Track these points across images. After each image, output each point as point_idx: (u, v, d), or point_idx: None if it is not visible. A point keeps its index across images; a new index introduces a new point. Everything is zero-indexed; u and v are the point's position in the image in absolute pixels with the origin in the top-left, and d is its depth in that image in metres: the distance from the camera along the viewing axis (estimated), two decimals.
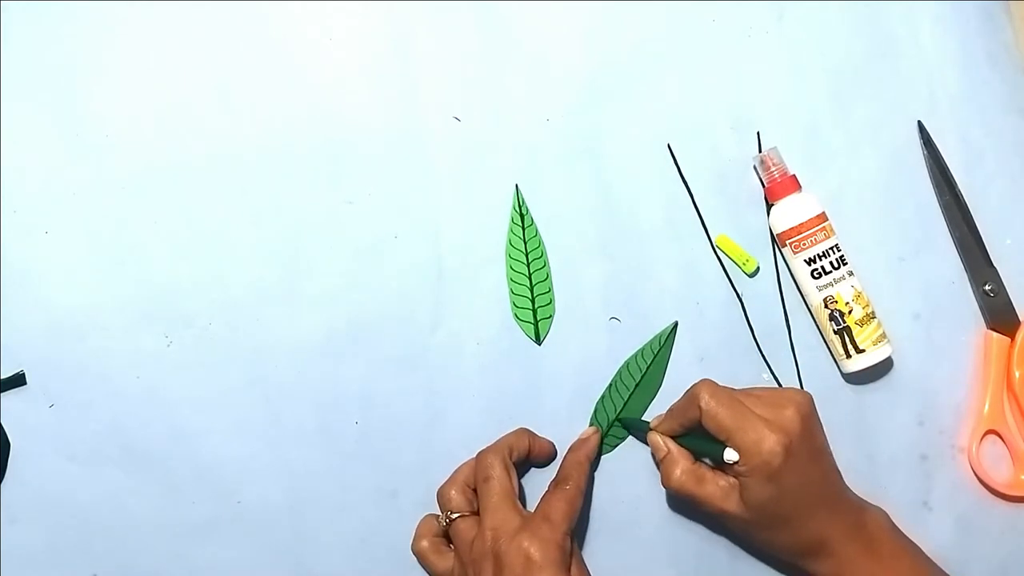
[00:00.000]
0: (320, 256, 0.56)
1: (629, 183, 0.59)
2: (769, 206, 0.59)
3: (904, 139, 0.61)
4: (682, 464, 0.53)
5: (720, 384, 0.53)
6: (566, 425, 0.57)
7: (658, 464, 0.55)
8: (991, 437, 0.60)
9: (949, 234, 0.61)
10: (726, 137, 0.59)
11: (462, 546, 0.52)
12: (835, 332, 0.57)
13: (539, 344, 0.57)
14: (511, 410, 0.57)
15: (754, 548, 0.57)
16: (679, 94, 0.59)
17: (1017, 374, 0.59)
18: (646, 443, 0.56)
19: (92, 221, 0.55)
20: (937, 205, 0.61)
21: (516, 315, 0.57)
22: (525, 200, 0.58)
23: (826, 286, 0.57)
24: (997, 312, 0.60)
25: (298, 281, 0.56)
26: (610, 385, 0.58)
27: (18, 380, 0.54)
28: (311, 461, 0.56)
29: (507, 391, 0.57)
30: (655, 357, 0.58)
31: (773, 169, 0.58)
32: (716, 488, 0.52)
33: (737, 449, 0.50)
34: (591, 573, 0.52)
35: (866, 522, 0.53)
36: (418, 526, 0.55)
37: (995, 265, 0.60)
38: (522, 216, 0.58)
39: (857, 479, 0.59)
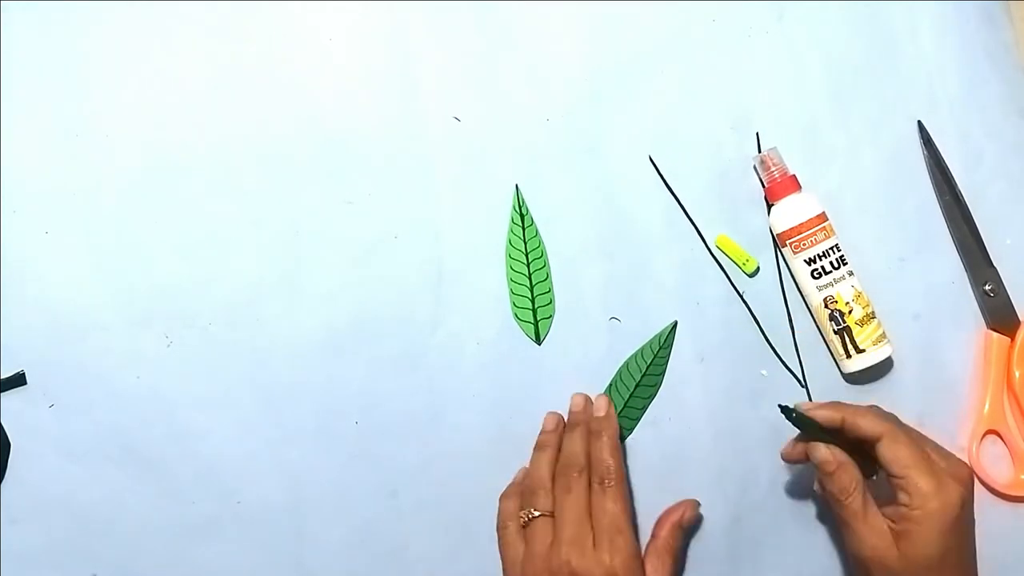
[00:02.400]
0: (320, 256, 0.56)
1: (629, 183, 0.59)
2: (769, 206, 0.59)
3: (904, 139, 0.61)
4: (854, 482, 0.50)
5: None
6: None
7: (816, 464, 0.52)
8: (991, 437, 0.60)
9: (949, 234, 0.61)
10: (726, 137, 0.59)
11: (538, 545, 0.51)
12: (835, 332, 0.57)
13: (539, 344, 0.57)
14: (511, 410, 0.57)
15: None
16: (679, 94, 0.59)
17: (1017, 374, 0.59)
18: (798, 427, 0.52)
19: (92, 221, 0.55)
20: (937, 205, 0.61)
21: (516, 315, 0.57)
22: (525, 200, 0.58)
23: (826, 286, 0.57)
24: (997, 312, 0.60)
25: (298, 281, 0.56)
26: (610, 385, 0.58)
27: (18, 380, 0.54)
28: (311, 461, 0.56)
29: (507, 391, 0.57)
30: (655, 357, 0.58)
31: (773, 169, 0.58)
32: (878, 528, 0.49)
33: (911, 490, 0.48)
34: None
35: None
36: (503, 509, 0.54)
37: (995, 265, 0.60)
38: (522, 216, 0.58)
39: None
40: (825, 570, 0.58)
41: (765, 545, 0.58)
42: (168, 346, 0.55)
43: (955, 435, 0.60)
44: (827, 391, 0.59)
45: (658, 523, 0.55)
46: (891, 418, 0.52)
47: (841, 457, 0.51)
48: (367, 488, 0.56)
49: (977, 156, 0.61)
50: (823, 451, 0.51)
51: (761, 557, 0.58)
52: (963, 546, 0.49)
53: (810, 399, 0.59)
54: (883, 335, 0.57)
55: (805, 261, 0.57)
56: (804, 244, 0.57)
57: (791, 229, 0.57)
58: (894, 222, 0.60)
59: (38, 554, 0.53)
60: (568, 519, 0.50)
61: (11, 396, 0.54)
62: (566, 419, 0.56)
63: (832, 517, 0.55)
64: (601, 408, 0.55)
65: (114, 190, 0.55)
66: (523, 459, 0.57)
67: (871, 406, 0.53)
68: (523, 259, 0.58)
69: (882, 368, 0.59)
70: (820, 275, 0.57)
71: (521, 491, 0.54)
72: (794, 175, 0.58)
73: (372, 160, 0.57)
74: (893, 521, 0.49)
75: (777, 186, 0.58)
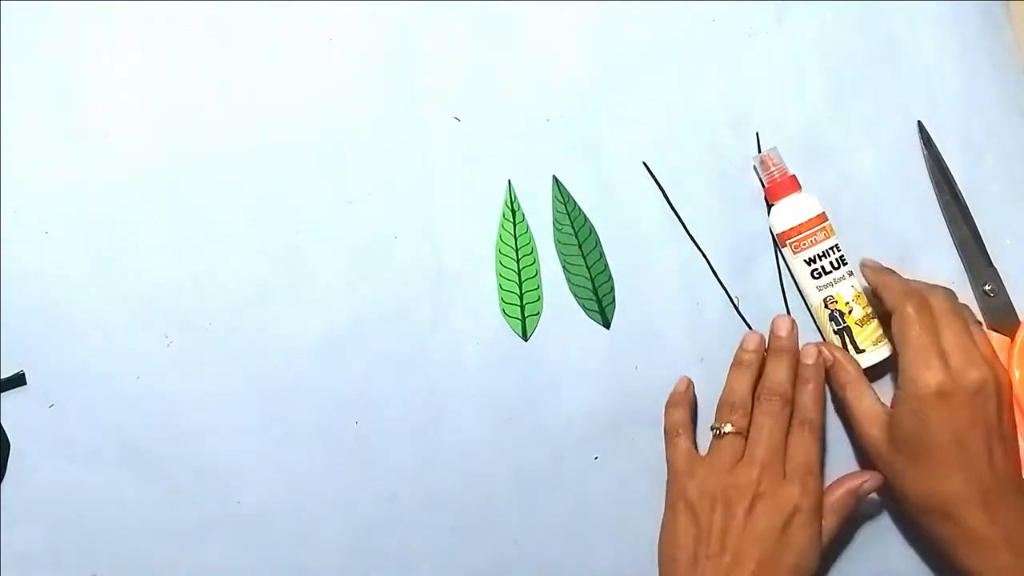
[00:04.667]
0: (320, 256, 0.56)
1: (628, 183, 0.59)
2: (769, 206, 0.59)
3: (904, 139, 0.61)
4: (847, 375, 0.55)
5: (945, 304, 0.53)
6: (566, 425, 0.57)
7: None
8: None
9: (949, 234, 0.61)
10: (725, 137, 0.59)
11: (725, 459, 0.53)
12: (835, 332, 0.57)
13: (525, 340, 0.57)
14: (511, 410, 0.57)
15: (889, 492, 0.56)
16: (679, 94, 0.59)
17: (1017, 374, 0.59)
18: None
19: (92, 221, 0.55)
20: (937, 205, 0.61)
21: (504, 311, 0.57)
22: (518, 197, 0.58)
23: (826, 286, 0.57)
24: (997, 312, 0.60)
25: (298, 281, 0.56)
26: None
27: (18, 380, 0.54)
28: (311, 461, 0.56)
29: (507, 391, 0.57)
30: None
31: (773, 169, 0.58)
32: (871, 413, 0.53)
33: (900, 369, 0.52)
34: (591, 573, 0.52)
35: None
36: (672, 417, 0.56)
37: (995, 265, 0.60)
38: (513, 212, 0.58)
39: None
40: (824, 570, 0.58)
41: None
42: (168, 346, 0.55)
43: None
44: (827, 391, 0.59)
45: (834, 484, 0.55)
46: (917, 296, 0.53)
47: (837, 355, 0.56)
48: (367, 488, 0.56)
49: (977, 156, 0.61)
50: (823, 350, 0.56)
51: None
52: (951, 442, 0.50)
53: None
54: (883, 335, 0.57)
55: (805, 261, 0.57)
56: (804, 244, 0.57)
57: (791, 229, 0.57)
58: (894, 222, 0.60)
59: (38, 554, 0.53)
60: (766, 443, 0.53)
61: (11, 396, 0.54)
62: (767, 341, 0.57)
63: (827, 515, 0.56)
64: (810, 356, 0.56)
65: (114, 190, 0.55)
66: (523, 459, 0.57)
67: (919, 283, 0.55)
68: (513, 255, 0.58)
69: (882, 368, 0.59)
70: (820, 275, 0.57)
71: (718, 404, 0.56)
72: (794, 175, 0.58)
73: (372, 160, 0.57)
74: (891, 408, 0.53)
75: (777, 186, 0.58)
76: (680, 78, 0.59)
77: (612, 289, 0.58)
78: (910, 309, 0.53)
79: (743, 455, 0.53)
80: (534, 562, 0.57)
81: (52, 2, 0.55)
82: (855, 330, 0.57)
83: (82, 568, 0.54)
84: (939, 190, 0.61)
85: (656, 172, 0.59)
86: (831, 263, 0.57)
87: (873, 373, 0.59)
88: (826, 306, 0.57)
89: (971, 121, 0.61)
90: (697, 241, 0.59)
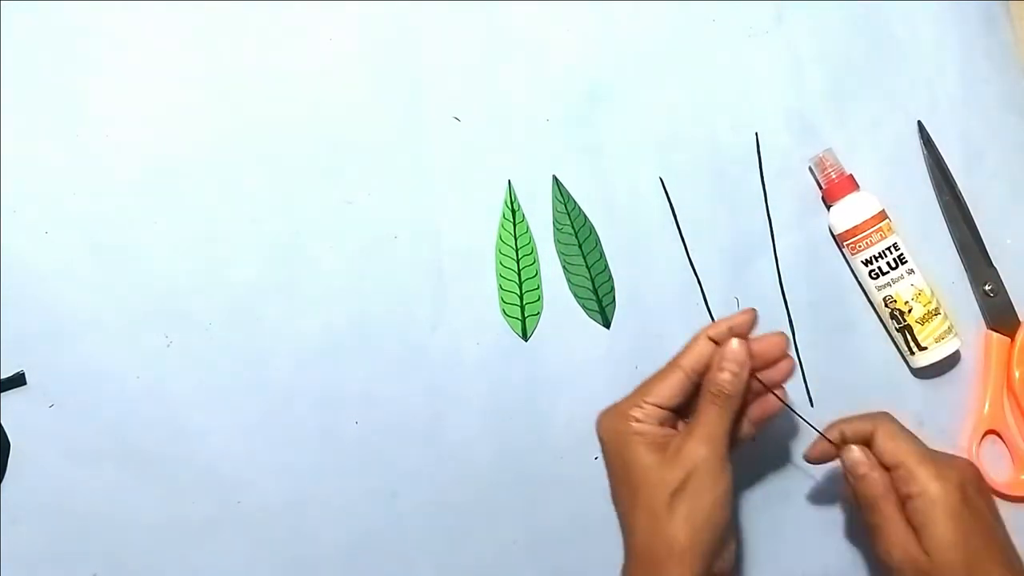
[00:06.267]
0: (320, 256, 0.56)
1: (628, 182, 0.59)
2: (828, 207, 0.59)
3: (904, 139, 0.61)
4: (885, 486, 0.49)
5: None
6: (566, 425, 0.57)
7: (847, 467, 0.51)
8: (991, 437, 0.60)
9: (949, 234, 0.61)
10: (725, 137, 0.60)
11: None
12: (896, 331, 0.58)
13: (525, 340, 0.57)
14: (511, 410, 0.57)
15: None
16: (679, 94, 0.59)
17: (1017, 374, 0.59)
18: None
19: (92, 221, 0.55)
20: (937, 205, 0.61)
21: (504, 311, 0.57)
22: (517, 197, 0.58)
23: (884, 286, 0.57)
24: (997, 312, 0.60)
25: (298, 281, 0.56)
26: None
27: (18, 380, 0.54)
28: (311, 461, 0.56)
29: (507, 391, 0.57)
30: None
31: (830, 170, 0.58)
32: (907, 530, 0.48)
33: (911, 479, 0.48)
34: (591, 573, 0.52)
35: None
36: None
37: (995, 265, 0.60)
38: (513, 212, 0.58)
39: None
40: (825, 570, 0.58)
41: (765, 545, 0.58)
42: (168, 346, 0.55)
43: (955, 435, 0.60)
44: (828, 391, 0.59)
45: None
46: (880, 415, 0.52)
47: (874, 460, 0.50)
48: (367, 488, 0.56)
49: (977, 156, 0.61)
50: (856, 453, 0.50)
51: (761, 557, 0.58)
52: (985, 531, 0.48)
53: (810, 400, 0.59)
54: (948, 330, 0.57)
55: (862, 262, 0.57)
56: (860, 246, 0.57)
57: (845, 232, 0.57)
58: (894, 222, 0.60)
59: (38, 554, 0.53)
60: None
61: (11, 396, 0.53)
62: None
63: (831, 519, 0.56)
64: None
65: (114, 190, 0.55)
66: (523, 459, 0.57)
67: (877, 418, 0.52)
68: (513, 255, 0.58)
69: (883, 368, 0.59)
70: (877, 275, 0.57)
71: None
72: (851, 175, 0.58)
73: (372, 160, 0.57)
74: (908, 520, 0.48)
75: (835, 186, 0.58)
76: (680, 78, 0.59)
77: (612, 289, 0.58)
78: (891, 423, 0.51)
79: None
80: (534, 562, 0.57)
81: (52, 2, 0.55)
82: (915, 328, 0.57)
83: (82, 568, 0.54)
84: (939, 190, 0.61)
85: (656, 172, 0.59)
86: (888, 263, 0.57)
87: (936, 369, 0.59)
88: (886, 305, 0.57)
89: (971, 121, 0.61)
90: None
